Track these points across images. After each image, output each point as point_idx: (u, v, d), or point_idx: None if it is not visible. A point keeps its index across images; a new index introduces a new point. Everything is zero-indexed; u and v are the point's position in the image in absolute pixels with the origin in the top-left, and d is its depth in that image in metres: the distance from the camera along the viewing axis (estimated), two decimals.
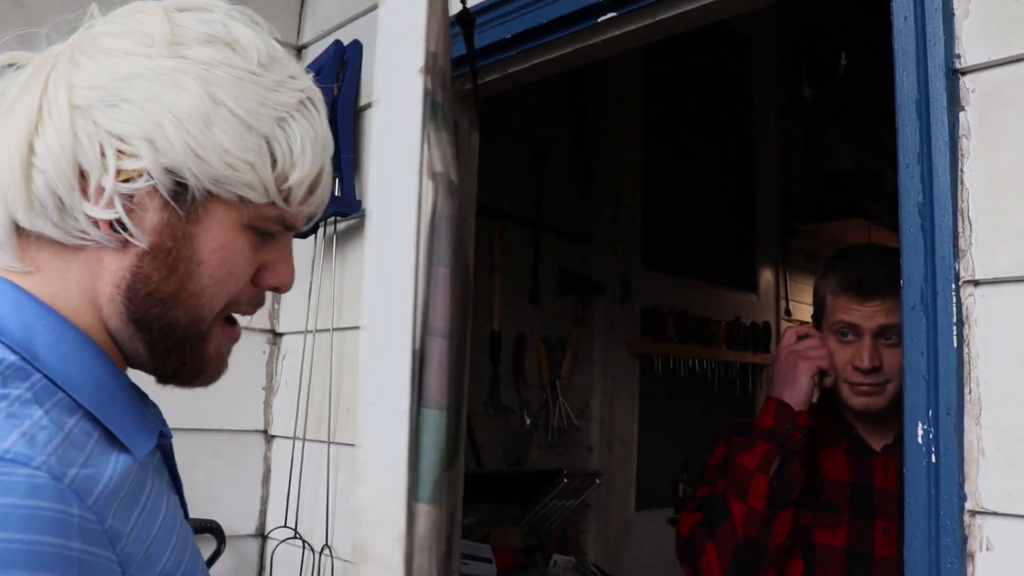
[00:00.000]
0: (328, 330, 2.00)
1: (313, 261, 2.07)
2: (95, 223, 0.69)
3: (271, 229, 0.77)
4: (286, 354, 2.19)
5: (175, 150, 0.68)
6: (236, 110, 0.70)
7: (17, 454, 0.59)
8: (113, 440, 0.70)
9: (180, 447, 0.87)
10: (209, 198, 0.71)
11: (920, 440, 1.02)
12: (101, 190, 0.69)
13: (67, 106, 0.68)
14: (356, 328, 1.93)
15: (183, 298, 0.73)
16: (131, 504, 0.67)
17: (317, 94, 0.78)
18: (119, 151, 0.68)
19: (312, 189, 0.77)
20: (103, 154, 0.68)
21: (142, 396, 0.83)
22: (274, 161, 0.72)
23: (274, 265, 0.78)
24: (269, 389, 2.21)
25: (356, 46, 2.03)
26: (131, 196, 0.69)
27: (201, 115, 0.69)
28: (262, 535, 2.16)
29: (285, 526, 2.03)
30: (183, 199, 0.71)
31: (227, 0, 0.76)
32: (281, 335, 2.22)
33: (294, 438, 2.06)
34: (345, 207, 1.91)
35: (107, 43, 0.71)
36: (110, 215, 0.69)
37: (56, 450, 0.62)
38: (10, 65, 0.74)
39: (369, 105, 1.99)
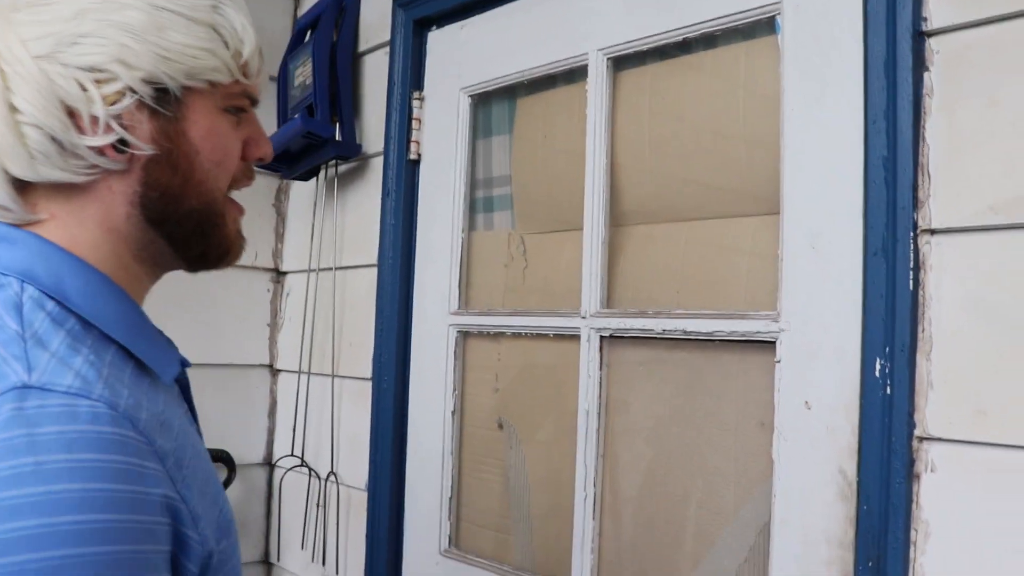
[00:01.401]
0: (331, 269, 2.09)
1: (315, 203, 2.15)
2: (99, 151, 0.75)
3: (241, 104, 0.85)
4: (289, 292, 2.28)
5: (145, 61, 0.75)
6: (178, 10, 0.77)
7: (78, 389, 0.66)
8: (143, 368, 0.77)
9: (192, 381, 0.95)
10: (186, 93, 0.79)
11: (877, 374, 1.12)
12: (95, 119, 0.74)
13: (30, 59, 0.73)
14: (357, 267, 2.01)
15: (192, 186, 0.81)
16: (167, 427, 0.75)
17: None
18: (96, 80, 0.74)
19: (261, 59, 0.86)
20: (83, 88, 0.73)
21: (160, 333, 0.91)
22: (225, 43, 0.80)
23: (254, 139, 0.87)
24: (274, 325, 2.30)
25: None
26: (120, 116, 0.75)
27: (153, 24, 0.75)
28: (270, 464, 2.27)
29: (292, 455, 2.14)
30: (166, 102, 0.77)
31: None
32: (284, 274, 2.30)
33: (299, 372, 2.16)
34: (346, 150, 1.98)
35: None
36: (111, 138, 0.75)
37: (107, 385, 0.69)
38: None
39: (368, 51, 2.05)
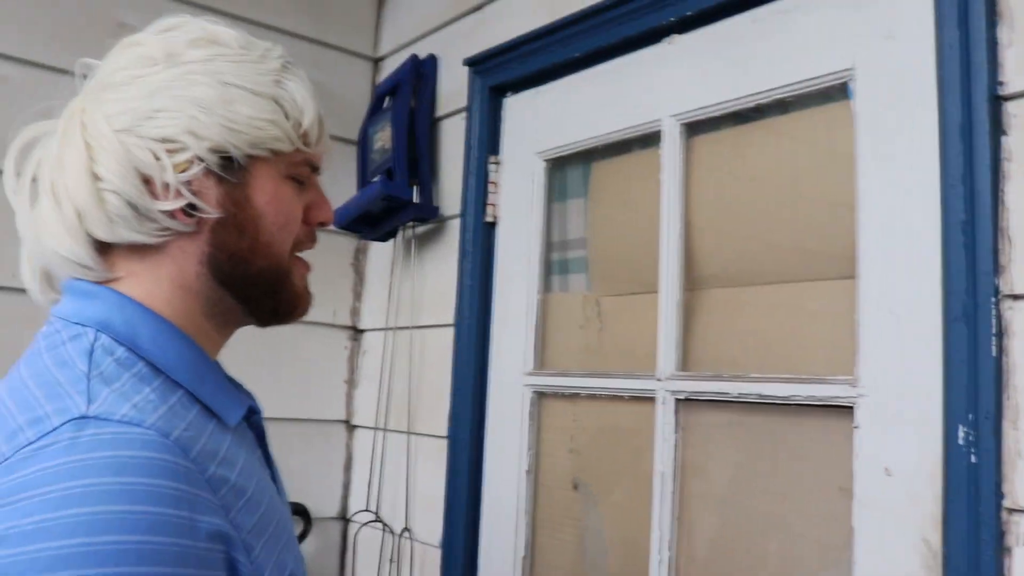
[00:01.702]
0: (407, 328, 2.13)
1: (393, 263, 2.20)
2: (170, 215, 0.82)
3: (303, 173, 0.90)
4: (367, 350, 2.33)
5: (213, 132, 0.82)
6: (243, 84, 0.84)
7: (132, 418, 0.71)
8: (209, 413, 0.82)
9: (271, 435, 0.99)
10: (251, 161, 0.85)
11: (961, 442, 1.10)
12: (166, 186, 0.81)
13: (111, 133, 0.81)
14: (434, 327, 2.05)
15: (258, 249, 0.86)
16: (228, 462, 0.78)
17: (290, 57, 0.91)
18: (168, 150, 0.81)
19: (321, 129, 0.91)
20: (157, 157, 0.80)
21: (233, 382, 0.97)
22: (286, 114, 0.86)
23: (316, 204, 0.93)
24: (351, 382, 2.35)
25: (432, 60, 2.15)
26: (190, 182, 0.82)
27: (220, 98, 0.82)
28: (344, 518, 2.30)
29: (367, 510, 2.17)
30: (231, 169, 0.84)
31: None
32: (362, 332, 2.36)
33: (375, 428, 2.20)
34: (424, 212, 2.03)
35: (119, 76, 0.84)
36: (181, 203, 0.82)
37: (161, 417, 0.74)
38: (40, 137, 0.88)
39: (445, 116, 2.11)
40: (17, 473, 0.67)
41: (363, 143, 2.22)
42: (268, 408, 0.99)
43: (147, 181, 0.81)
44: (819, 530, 1.32)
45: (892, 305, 1.21)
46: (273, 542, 0.81)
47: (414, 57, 2.15)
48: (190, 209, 0.83)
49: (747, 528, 1.41)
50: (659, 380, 1.51)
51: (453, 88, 2.08)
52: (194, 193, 0.83)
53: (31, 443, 0.69)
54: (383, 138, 2.09)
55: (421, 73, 2.14)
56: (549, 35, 1.78)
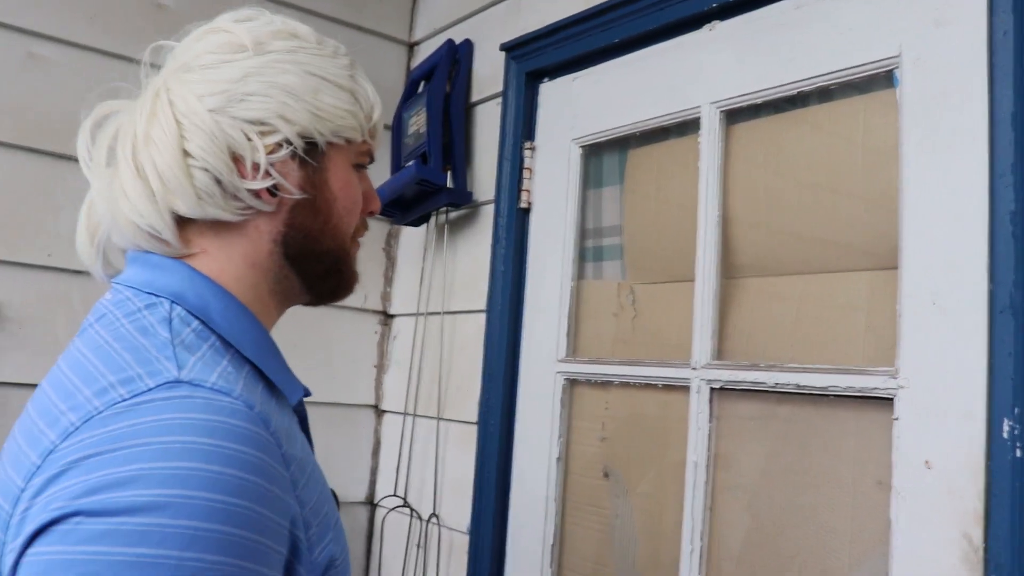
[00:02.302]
0: (439, 313, 2.13)
1: (425, 248, 2.20)
2: (255, 194, 0.86)
3: (364, 162, 0.96)
4: (397, 335, 2.33)
5: (302, 117, 0.86)
6: (327, 76, 0.89)
7: (221, 387, 0.74)
8: (273, 389, 0.85)
9: None
10: (329, 147, 0.90)
11: (1006, 436, 1.08)
12: (256, 166, 0.85)
13: (205, 112, 0.84)
14: (466, 312, 2.05)
15: (328, 230, 0.91)
16: (292, 439, 0.81)
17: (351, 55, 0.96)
18: (260, 132, 0.85)
19: (381, 123, 0.97)
20: (248, 138, 0.84)
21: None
22: (361, 106, 0.92)
23: (369, 193, 0.97)
24: (380, 367, 2.35)
25: (468, 44, 2.14)
26: (275, 164, 0.86)
27: (309, 87, 0.87)
28: (371, 503, 2.31)
29: (394, 495, 2.18)
30: (313, 154, 0.89)
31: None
32: (392, 316, 2.36)
33: (404, 413, 2.20)
34: (457, 198, 2.03)
35: (207, 59, 0.87)
36: (268, 183, 0.86)
37: (243, 389, 0.77)
38: (112, 115, 0.92)
39: (480, 101, 2.10)
40: (113, 425, 0.69)
41: (397, 128, 2.22)
42: None
43: (236, 160, 0.85)
44: (855, 523, 1.30)
45: (935, 296, 1.19)
46: (325, 524, 0.83)
47: (450, 42, 2.14)
48: (274, 189, 0.87)
49: (781, 520, 1.39)
50: (694, 369, 1.50)
51: (488, 73, 2.07)
52: (279, 174, 0.86)
53: (124, 399, 0.71)
54: (417, 123, 2.09)
55: (456, 58, 2.13)
56: (587, 20, 1.76)
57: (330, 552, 0.82)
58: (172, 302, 0.82)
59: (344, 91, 0.91)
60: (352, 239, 0.96)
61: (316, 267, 0.92)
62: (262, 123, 0.85)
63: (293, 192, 0.88)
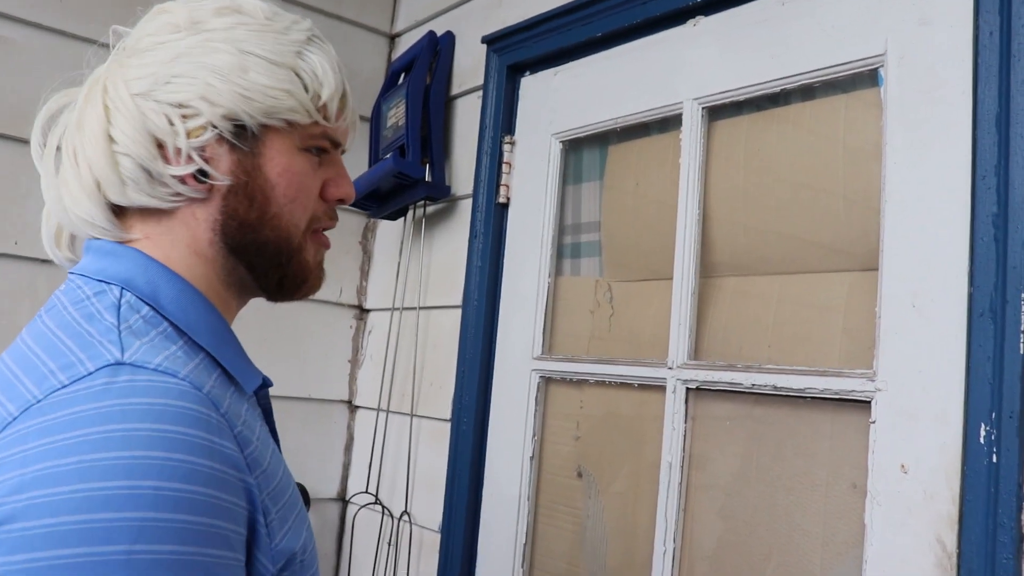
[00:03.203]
0: (414, 308, 2.10)
1: (402, 243, 2.17)
2: (181, 180, 0.82)
3: (320, 145, 0.89)
4: (372, 329, 2.30)
5: (226, 99, 0.82)
6: (262, 54, 0.84)
7: (167, 368, 0.72)
8: (228, 378, 0.82)
9: (273, 411, 0.97)
10: (264, 131, 0.84)
11: (982, 441, 1.07)
12: (178, 151, 0.81)
13: (128, 97, 0.82)
14: (442, 307, 2.02)
15: (267, 220, 0.86)
16: (249, 426, 0.79)
17: (317, 31, 0.90)
18: (182, 115, 0.81)
19: (343, 104, 0.89)
20: (171, 122, 0.81)
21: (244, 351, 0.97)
22: (305, 86, 0.86)
23: (335, 180, 0.91)
24: (354, 362, 2.32)
25: (449, 37, 2.11)
26: (203, 148, 0.82)
27: (237, 66, 0.82)
28: (343, 499, 2.28)
29: (366, 492, 2.15)
30: (244, 138, 0.84)
31: None
32: (368, 311, 2.33)
33: (377, 409, 2.17)
34: (435, 192, 2.00)
35: (144, 43, 0.85)
36: (191, 168, 0.82)
37: (192, 371, 0.75)
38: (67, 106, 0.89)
39: (460, 94, 2.08)
40: (51, 415, 0.67)
41: (376, 119, 2.19)
42: (271, 387, 0.97)
43: (160, 146, 0.82)
44: (830, 526, 1.28)
45: (915, 298, 1.17)
46: (285, 513, 0.80)
47: (431, 34, 2.11)
48: (201, 175, 0.83)
49: (755, 522, 1.38)
50: (670, 368, 1.48)
51: (469, 66, 2.05)
52: (206, 160, 0.83)
53: (64, 386, 0.69)
54: (396, 115, 2.06)
55: (437, 50, 2.10)
56: (569, 14, 1.74)
57: (291, 543, 0.79)
58: (122, 288, 0.80)
59: (282, 68, 0.85)
60: (311, 230, 0.90)
61: (258, 260, 0.87)
62: (184, 106, 0.82)
63: (220, 178, 0.84)
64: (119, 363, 0.71)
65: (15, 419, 0.68)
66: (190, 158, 0.82)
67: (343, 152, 0.94)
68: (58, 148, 0.87)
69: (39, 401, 0.69)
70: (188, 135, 0.82)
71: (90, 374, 0.70)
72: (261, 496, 0.75)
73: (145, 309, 0.79)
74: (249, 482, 0.73)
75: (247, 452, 0.74)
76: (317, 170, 0.89)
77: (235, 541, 0.70)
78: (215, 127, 0.82)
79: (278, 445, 0.95)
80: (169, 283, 0.83)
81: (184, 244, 0.85)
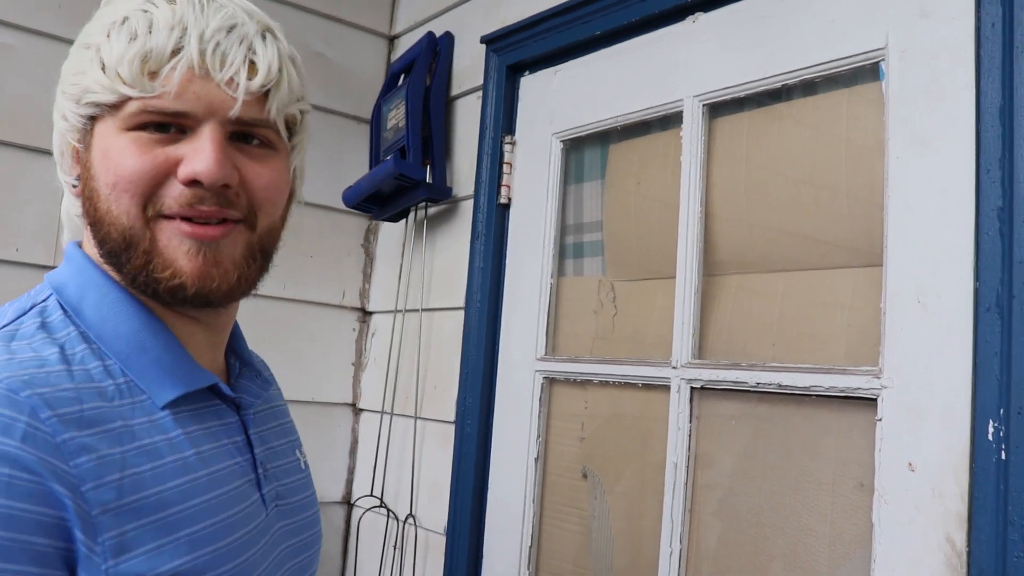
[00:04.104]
0: (417, 310, 2.09)
1: (404, 244, 2.16)
2: (71, 184, 0.83)
3: (147, 121, 0.77)
4: (375, 332, 2.29)
5: (60, 100, 0.81)
6: (79, 41, 0.81)
7: None
8: (130, 392, 0.76)
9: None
10: (90, 123, 0.79)
11: (990, 437, 1.05)
12: (76, 154, 0.82)
13: (59, 94, 0.82)
14: (445, 309, 2.01)
15: (100, 215, 0.78)
16: (117, 436, 0.72)
17: (152, 5, 0.79)
18: (62, 116, 0.81)
19: (158, 67, 0.76)
20: (61, 121, 0.82)
21: (243, 360, 0.93)
22: (102, 63, 0.77)
23: (187, 157, 0.77)
24: (358, 365, 2.31)
25: (448, 37, 2.10)
26: (76, 151, 0.81)
27: (65, 65, 0.81)
28: (348, 503, 2.27)
29: (371, 495, 2.14)
30: (81, 135, 0.80)
31: None
32: (371, 314, 2.32)
33: (381, 412, 2.16)
34: (436, 193, 1.99)
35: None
36: (72, 175, 0.83)
37: (35, 375, 0.70)
38: None
39: (461, 95, 2.07)
40: None
41: (376, 121, 2.18)
42: None
43: (63, 151, 0.83)
44: (837, 526, 1.27)
45: (920, 294, 1.16)
46: (163, 528, 0.72)
47: (430, 35, 2.10)
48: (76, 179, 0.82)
49: (761, 522, 1.37)
50: (674, 368, 1.47)
51: (469, 66, 2.04)
52: (75, 162, 0.82)
53: None
54: (396, 116, 2.05)
55: (437, 51, 2.09)
56: (568, 12, 1.73)
57: (155, 564, 0.70)
58: (51, 294, 0.80)
59: (89, 50, 0.78)
60: (159, 217, 0.77)
61: (112, 261, 0.80)
62: (60, 111, 0.81)
63: (67, 178, 0.83)
64: None
65: None
66: (70, 161, 0.82)
67: (244, 124, 0.80)
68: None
69: None
70: (64, 139, 0.82)
71: None
72: (92, 510, 0.68)
73: (56, 315, 0.77)
74: (59, 491, 0.66)
75: (79, 460, 0.68)
76: (156, 148, 0.77)
77: (34, 554, 0.64)
78: (64, 131, 0.82)
79: (252, 452, 0.87)
80: (97, 288, 0.80)
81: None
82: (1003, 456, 1.04)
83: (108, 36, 0.77)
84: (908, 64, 1.21)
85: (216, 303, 0.81)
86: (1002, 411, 1.04)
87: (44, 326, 0.76)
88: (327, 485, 2.25)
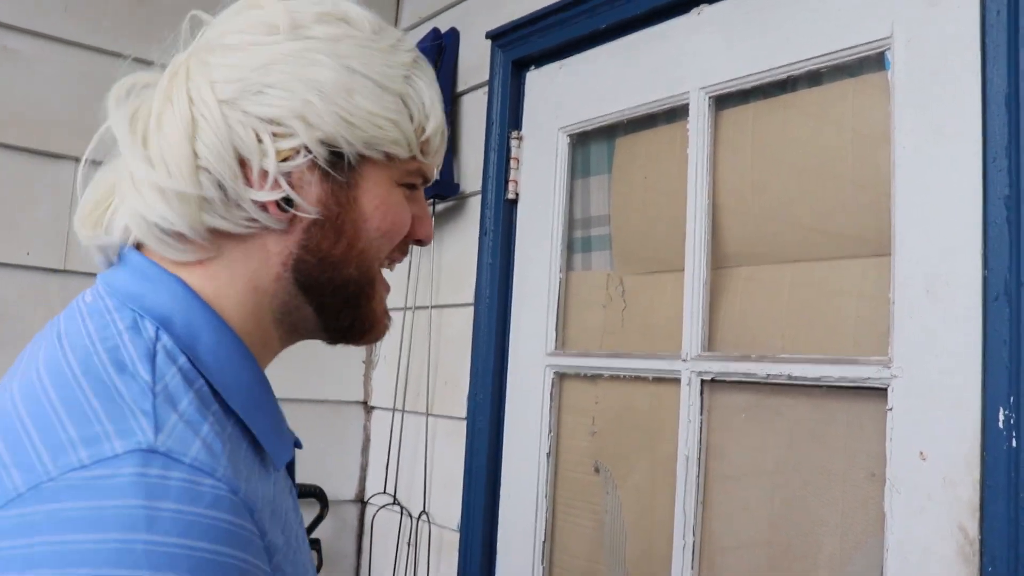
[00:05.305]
0: (427, 307, 2.10)
1: None
2: (262, 207, 0.72)
3: (414, 182, 0.80)
4: None
5: (327, 122, 0.71)
6: (370, 75, 0.73)
7: (203, 463, 0.61)
8: (258, 447, 0.72)
9: (287, 416, 0.93)
10: (362, 161, 0.75)
11: (1001, 425, 1.05)
12: (264, 173, 0.71)
13: (215, 103, 0.71)
14: (454, 306, 2.02)
15: (353, 256, 0.76)
16: (277, 516, 0.69)
17: (419, 53, 0.81)
18: (274, 133, 0.71)
19: (442, 140, 0.81)
20: (259, 139, 0.71)
21: (279, 409, 0.89)
22: (411, 116, 0.76)
23: (419, 219, 0.81)
24: (368, 363, 2.32)
25: (453, 33, 2.11)
26: (290, 174, 0.72)
27: (342, 85, 0.72)
28: (362, 501, 2.28)
29: (384, 492, 2.15)
30: (340, 167, 0.74)
31: None
32: None
33: (393, 409, 2.17)
34: (444, 190, 2.00)
35: (233, 39, 0.74)
36: (277, 195, 0.72)
37: (229, 461, 0.64)
38: (138, 87, 0.78)
39: (466, 91, 2.07)
40: (66, 503, 0.57)
41: None
42: (286, 390, 0.93)
43: (243, 164, 0.72)
44: (849, 516, 1.27)
45: (929, 283, 1.16)
46: None
47: (435, 31, 2.11)
48: (286, 203, 0.73)
49: (773, 513, 1.37)
50: (684, 361, 1.47)
51: (474, 62, 2.04)
52: (293, 186, 0.72)
53: (84, 467, 0.58)
54: None
55: (442, 47, 2.09)
56: (573, 7, 1.73)
57: None
58: (158, 328, 0.69)
59: (390, 95, 0.74)
60: (379, 268, 0.80)
61: (333, 299, 0.77)
62: (277, 123, 0.71)
63: (308, 210, 0.73)
64: (152, 450, 0.59)
65: (21, 496, 0.58)
66: (276, 183, 0.71)
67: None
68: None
69: (52, 479, 0.58)
70: (277, 157, 0.71)
71: (116, 456, 0.59)
72: None
73: (182, 359, 0.68)
74: None
75: (276, 560, 0.66)
76: (407, 207, 0.80)
77: None
78: (309, 151, 0.72)
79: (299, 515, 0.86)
80: (209, 328, 0.72)
81: (244, 277, 0.75)
82: (1014, 444, 1.04)
83: (410, 87, 0.76)
84: (914, 53, 1.21)
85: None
86: (1012, 399, 1.04)
87: (184, 377, 0.67)
88: (340, 484, 2.26)
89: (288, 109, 0.71)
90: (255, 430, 0.72)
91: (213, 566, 0.58)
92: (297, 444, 0.83)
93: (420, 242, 0.83)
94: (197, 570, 0.57)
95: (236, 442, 0.68)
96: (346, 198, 0.75)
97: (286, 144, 0.72)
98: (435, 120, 0.78)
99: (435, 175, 0.83)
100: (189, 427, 0.63)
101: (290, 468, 0.84)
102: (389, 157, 0.76)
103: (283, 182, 0.72)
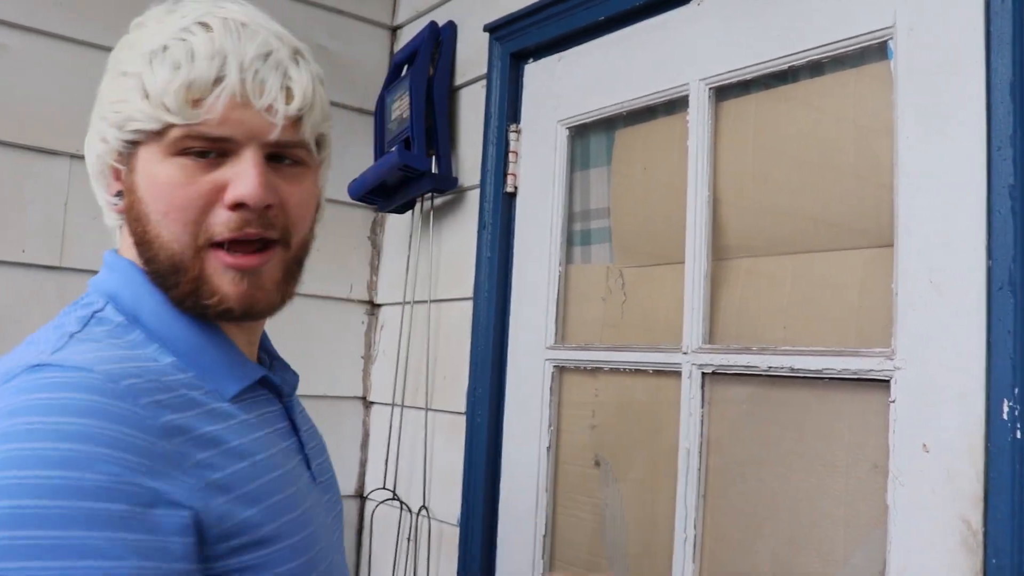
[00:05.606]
0: (425, 302, 2.09)
1: (410, 236, 2.16)
2: (111, 203, 0.88)
3: (191, 147, 0.80)
4: (383, 324, 2.29)
5: (100, 124, 0.84)
6: (118, 67, 0.84)
7: (83, 363, 0.72)
8: (201, 383, 0.82)
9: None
10: (133, 148, 0.82)
11: (1005, 417, 1.04)
12: (116, 172, 0.86)
13: (97, 118, 0.87)
14: (452, 300, 2.01)
15: (150, 238, 0.82)
16: (211, 420, 0.78)
17: (216, 16, 0.82)
18: (102, 139, 0.85)
19: (201, 95, 0.79)
20: (104, 142, 0.85)
21: (271, 355, 1.00)
22: (145, 91, 0.80)
23: (231, 181, 0.81)
24: (367, 358, 2.31)
25: (451, 26, 2.09)
26: (119, 171, 0.85)
27: (104, 90, 0.85)
28: (361, 496, 2.27)
29: (384, 488, 2.14)
30: (124, 159, 0.84)
31: None
32: (379, 306, 2.32)
33: (392, 404, 2.16)
34: (442, 183, 1.99)
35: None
36: (110, 192, 0.87)
37: (123, 369, 0.73)
38: None
39: (464, 84, 2.06)
40: None
41: (380, 113, 2.18)
42: None
43: (102, 170, 0.86)
44: (852, 508, 1.27)
45: (932, 274, 1.15)
46: (260, 492, 0.79)
47: (432, 24, 2.09)
48: (118, 197, 0.86)
49: (775, 506, 1.36)
50: (685, 353, 1.46)
51: (472, 55, 2.03)
52: (121, 182, 0.85)
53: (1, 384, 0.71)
54: (400, 107, 2.04)
55: (439, 40, 2.08)
56: None
57: (245, 510, 0.77)
58: (107, 302, 0.83)
59: (129, 78, 0.81)
60: (208, 247, 0.81)
61: (161, 281, 0.83)
62: (100, 132, 0.85)
63: (110, 200, 0.87)
64: (40, 364, 0.71)
65: None
66: (111, 181, 0.86)
67: (279, 145, 0.84)
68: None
69: None
70: (109, 159, 0.85)
71: (15, 376, 0.71)
72: (223, 500, 0.74)
73: (119, 320, 0.81)
74: (180, 478, 0.71)
75: (180, 439, 0.73)
76: (201, 175, 0.80)
77: (148, 522, 0.68)
78: (106, 154, 0.85)
79: (299, 438, 0.95)
80: (151, 297, 0.83)
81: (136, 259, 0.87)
82: (1018, 435, 1.03)
83: (150, 64, 0.80)
84: (916, 42, 1.20)
85: (261, 318, 0.89)
86: (1016, 390, 1.04)
87: (112, 331, 0.80)
88: (340, 479, 2.21)
89: (96, 116, 0.86)
90: (193, 369, 0.81)
91: (76, 434, 0.66)
92: (274, 383, 0.92)
93: (238, 206, 0.81)
94: (60, 438, 0.66)
95: (170, 373, 0.78)
96: (131, 184, 0.83)
97: (104, 148, 0.85)
98: (163, 77, 0.79)
99: (223, 131, 0.80)
100: (89, 349, 0.74)
101: (290, 411, 0.95)
102: (149, 134, 0.80)
103: (109, 179, 0.86)
